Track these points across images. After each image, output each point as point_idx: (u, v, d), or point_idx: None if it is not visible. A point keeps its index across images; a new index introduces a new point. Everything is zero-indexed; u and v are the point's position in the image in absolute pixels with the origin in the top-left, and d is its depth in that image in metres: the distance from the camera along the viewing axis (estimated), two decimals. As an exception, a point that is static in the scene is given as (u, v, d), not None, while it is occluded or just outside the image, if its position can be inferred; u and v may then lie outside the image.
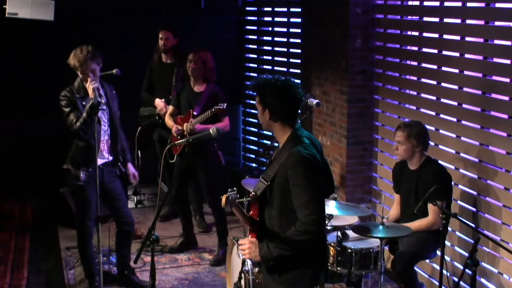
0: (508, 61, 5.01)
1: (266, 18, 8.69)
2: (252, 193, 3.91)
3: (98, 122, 5.43)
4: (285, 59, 8.29)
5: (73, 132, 5.41)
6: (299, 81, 7.85)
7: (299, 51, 7.99)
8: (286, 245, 3.75)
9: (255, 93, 3.90)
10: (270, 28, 8.63)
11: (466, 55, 5.45)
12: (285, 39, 8.30)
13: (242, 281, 4.87)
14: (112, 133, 5.62)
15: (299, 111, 3.89)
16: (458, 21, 5.51)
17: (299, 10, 7.95)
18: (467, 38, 5.41)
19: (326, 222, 5.01)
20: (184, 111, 6.47)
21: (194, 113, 6.32)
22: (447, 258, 5.29)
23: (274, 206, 3.81)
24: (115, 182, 5.74)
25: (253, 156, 8.95)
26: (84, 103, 5.40)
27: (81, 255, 5.77)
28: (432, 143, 5.59)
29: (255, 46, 8.83)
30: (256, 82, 3.88)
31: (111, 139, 5.61)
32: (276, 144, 4.06)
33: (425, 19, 5.95)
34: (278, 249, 3.76)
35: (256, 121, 8.82)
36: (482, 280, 5.22)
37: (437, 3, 5.78)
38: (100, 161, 5.52)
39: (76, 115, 5.38)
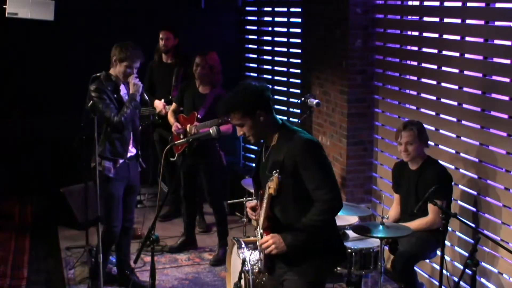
0: (508, 61, 5.01)
1: (266, 18, 8.68)
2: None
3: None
4: (285, 59, 8.29)
5: (115, 125, 5.42)
6: (299, 81, 7.87)
7: (299, 51, 7.98)
8: (310, 227, 3.74)
9: (232, 114, 3.86)
10: (270, 28, 8.63)
11: (466, 55, 5.45)
12: (285, 39, 8.29)
13: (242, 281, 4.88)
14: (134, 128, 5.69)
15: (300, 110, 3.90)
16: (458, 21, 5.51)
17: (299, 10, 7.95)
18: (467, 38, 5.41)
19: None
20: (187, 110, 6.45)
21: (198, 116, 6.31)
22: (447, 258, 5.29)
23: (288, 197, 3.78)
24: (138, 179, 5.81)
25: (253, 156, 8.94)
26: (115, 96, 5.47)
27: (104, 255, 5.58)
28: (432, 143, 5.59)
29: (255, 46, 8.83)
30: (228, 103, 3.87)
31: (133, 134, 5.68)
32: None
33: (425, 19, 5.95)
34: (305, 233, 3.74)
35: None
36: (482, 280, 5.22)
37: (437, 3, 5.78)
38: (128, 155, 5.62)
39: (112, 108, 5.42)
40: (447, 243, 5.49)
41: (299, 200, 3.79)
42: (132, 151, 5.67)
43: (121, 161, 5.56)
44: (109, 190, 5.51)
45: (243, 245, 5.09)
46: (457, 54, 5.53)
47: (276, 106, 7.30)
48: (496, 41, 5.12)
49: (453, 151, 5.59)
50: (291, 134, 3.83)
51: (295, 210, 3.80)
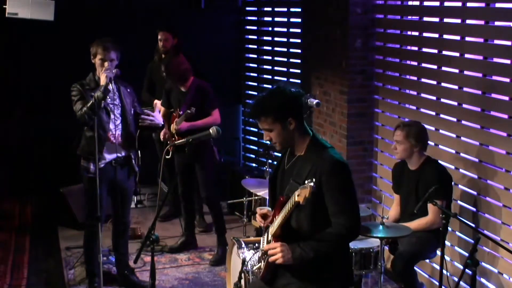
0: (508, 61, 5.01)
1: (266, 18, 8.68)
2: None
3: (106, 113, 5.48)
4: (285, 59, 8.29)
5: (78, 119, 5.38)
6: (299, 81, 7.87)
7: (299, 51, 7.98)
8: (321, 248, 3.64)
9: (261, 118, 3.73)
10: (270, 28, 8.63)
11: (466, 55, 5.45)
12: (285, 39, 8.30)
13: (242, 281, 4.87)
14: (124, 129, 5.61)
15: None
16: (458, 21, 5.51)
17: (299, 10, 7.95)
18: (467, 38, 5.41)
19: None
20: (176, 110, 6.49)
21: (180, 112, 6.36)
22: (447, 258, 5.29)
23: (303, 210, 3.67)
24: (128, 182, 5.74)
25: (253, 156, 8.95)
26: (93, 93, 5.38)
27: (85, 254, 5.75)
28: (432, 143, 5.59)
29: (255, 46, 8.83)
30: (259, 106, 3.72)
31: (123, 135, 5.60)
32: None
33: (425, 19, 5.95)
34: (314, 252, 3.63)
35: (256, 121, 8.80)
36: (482, 280, 5.22)
37: (437, 3, 5.78)
38: (111, 156, 5.54)
39: (82, 103, 5.38)
40: (447, 243, 5.49)
41: (315, 217, 3.68)
42: (119, 150, 5.58)
43: (103, 161, 5.49)
44: (89, 189, 5.46)
45: (243, 245, 5.09)
46: (457, 54, 5.53)
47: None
48: (496, 41, 5.12)
49: (453, 151, 5.59)
50: (321, 149, 3.71)
51: (309, 227, 3.69)
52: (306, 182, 3.48)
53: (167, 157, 6.60)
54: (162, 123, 6.00)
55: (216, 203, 6.62)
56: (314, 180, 3.47)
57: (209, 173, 6.48)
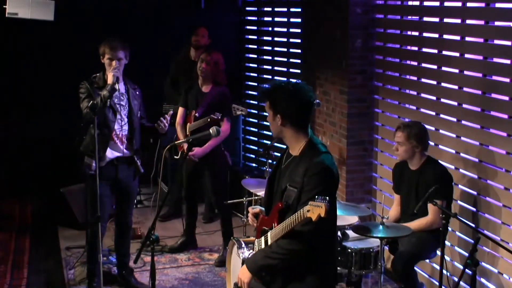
0: (508, 61, 5.01)
1: (266, 18, 8.69)
2: (284, 202, 3.71)
3: (113, 112, 5.47)
4: (285, 59, 8.29)
5: (84, 116, 5.39)
6: (299, 81, 7.85)
7: (299, 51, 7.98)
8: (275, 253, 3.68)
9: (265, 99, 3.79)
10: (270, 28, 8.63)
11: (466, 55, 5.45)
12: (285, 39, 8.30)
13: (242, 281, 4.87)
14: (130, 131, 5.60)
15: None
16: (458, 21, 5.52)
17: (299, 10, 7.96)
18: (467, 38, 5.41)
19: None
20: (191, 110, 6.46)
21: (196, 114, 6.32)
22: (447, 258, 5.29)
23: (292, 211, 3.65)
24: (131, 182, 5.72)
25: (253, 156, 8.94)
26: (100, 92, 5.39)
27: (87, 253, 5.72)
28: (432, 143, 5.59)
29: (255, 46, 8.83)
30: (266, 87, 3.80)
31: (128, 137, 5.59)
32: (276, 144, 4.00)
33: (425, 19, 5.95)
34: (267, 258, 3.71)
35: (256, 121, 8.83)
36: (482, 280, 5.22)
37: (437, 3, 5.78)
38: (114, 154, 5.53)
39: (89, 101, 5.36)
40: (447, 243, 5.49)
41: None
42: (121, 150, 5.57)
43: (105, 160, 5.47)
44: (89, 188, 5.46)
45: (243, 245, 5.09)
46: (457, 54, 5.53)
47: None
48: (496, 41, 5.13)
49: (453, 151, 5.60)
50: (315, 153, 3.69)
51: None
52: (316, 198, 3.44)
53: (176, 157, 6.61)
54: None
55: (226, 207, 6.60)
56: (328, 198, 3.42)
57: (221, 180, 6.48)
